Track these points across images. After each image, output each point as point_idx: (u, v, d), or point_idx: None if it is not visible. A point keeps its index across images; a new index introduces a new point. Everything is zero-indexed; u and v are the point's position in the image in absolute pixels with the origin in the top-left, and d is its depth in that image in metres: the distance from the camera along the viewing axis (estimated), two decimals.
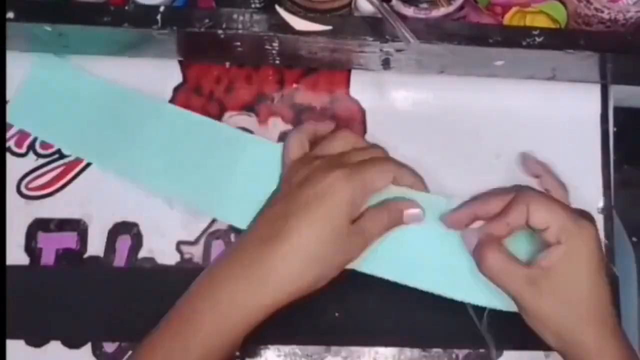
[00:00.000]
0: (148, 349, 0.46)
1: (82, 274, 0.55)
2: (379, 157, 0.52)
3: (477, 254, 0.49)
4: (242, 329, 0.46)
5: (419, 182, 0.52)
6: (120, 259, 0.55)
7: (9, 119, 0.57)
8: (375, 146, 0.54)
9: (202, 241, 0.56)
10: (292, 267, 0.46)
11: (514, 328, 0.50)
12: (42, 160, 0.57)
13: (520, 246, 0.50)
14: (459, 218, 0.51)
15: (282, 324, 0.52)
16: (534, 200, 0.47)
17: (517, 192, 0.49)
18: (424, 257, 0.51)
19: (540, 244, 0.48)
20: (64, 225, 0.56)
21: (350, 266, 0.50)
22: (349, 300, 0.54)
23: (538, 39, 0.50)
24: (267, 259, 0.46)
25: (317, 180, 0.47)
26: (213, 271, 0.48)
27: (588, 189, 0.57)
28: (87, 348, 0.54)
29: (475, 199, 0.51)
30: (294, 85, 0.59)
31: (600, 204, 0.57)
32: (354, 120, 0.58)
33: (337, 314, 0.54)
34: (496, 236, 0.48)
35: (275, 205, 0.49)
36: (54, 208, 0.56)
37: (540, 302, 0.46)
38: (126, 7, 0.51)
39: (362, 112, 0.59)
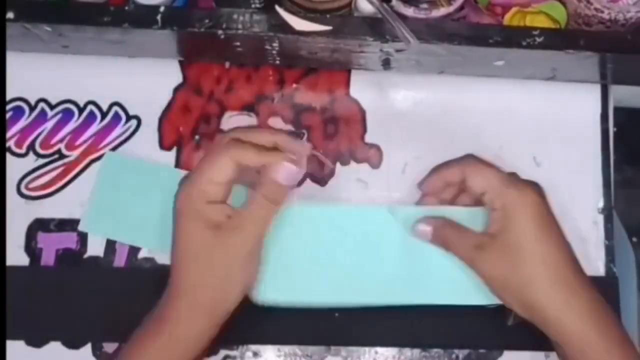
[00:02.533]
0: None
1: (82, 274, 0.55)
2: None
3: (424, 227, 0.51)
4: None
5: (287, 139, 0.49)
6: (120, 259, 0.55)
7: (85, 228, 0.56)
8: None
9: None
10: (179, 300, 0.47)
11: (513, 328, 0.50)
12: (42, 160, 0.57)
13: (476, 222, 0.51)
14: (433, 187, 0.53)
15: (282, 323, 0.52)
16: (470, 166, 0.50)
17: (460, 158, 0.52)
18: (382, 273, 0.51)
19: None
20: (64, 225, 0.56)
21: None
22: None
23: (538, 39, 0.50)
24: (160, 300, 0.48)
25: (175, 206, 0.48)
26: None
27: (588, 189, 0.57)
28: (87, 348, 0.54)
29: (437, 167, 0.53)
30: (294, 85, 0.59)
31: (600, 204, 0.57)
32: (354, 120, 0.58)
33: (336, 314, 0.54)
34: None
35: None
36: (54, 208, 0.56)
37: (490, 266, 0.48)
38: (126, 7, 0.51)
39: (362, 112, 0.59)
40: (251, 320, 0.52)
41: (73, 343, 0.54)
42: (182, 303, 0.46)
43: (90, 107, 0.59)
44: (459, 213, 0.51)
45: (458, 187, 0.52)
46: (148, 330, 0.47)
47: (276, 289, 0.50)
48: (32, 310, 0.54)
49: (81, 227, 0.56)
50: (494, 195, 0.48)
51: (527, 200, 0.48)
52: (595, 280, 0.48)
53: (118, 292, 0.55)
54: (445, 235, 0.50)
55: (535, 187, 0.49)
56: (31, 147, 0.58)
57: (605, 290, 0.48)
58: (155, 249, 0.55)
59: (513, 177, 0.50)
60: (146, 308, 0.48)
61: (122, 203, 0.56)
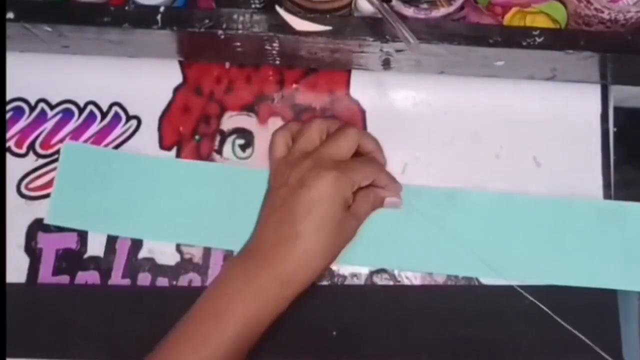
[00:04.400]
0: (181, 335, 0.48)
1: (81, 293, 0.55)
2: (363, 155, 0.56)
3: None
4: (270, 319, 0.49)
5: (378, 149, 0.56)
6: (120, 259, 0.55)
7: (51, 220, 0.56)
8: (348, 129, 0.55)
9: None
10: (306, 263, 0.50)
11: None
12: (42, 161, 0.57)
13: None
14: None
15: (281, 343, 0.52)
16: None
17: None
18: (404, 243, 0.55)
19: None
20: None
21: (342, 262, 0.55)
22: (346, 319, 0.54)
23: (538, 39, 0.50)
24: (283, 260, 0.50)
25: (312, 186, 0.51)
26: (230, 273, 0.50)
27: (588, 189, 0.57)
28: None
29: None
30: (294, 86, 0.59)
31: None
32: (354, 120, 0.58)
33: (334, 333, 0.54)
34: None
35: (275, 211, 0.52)
36: None
37: None
38: (126, 7, 0.51)
39: (362, 112, 0.59)
40: None
41: None
42: (304, 263, 0.50)
43: (90, 107, 0.59)
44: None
45: None
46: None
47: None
48: (31, 330, 0.54)
49: (47, 221, 0.56)
50: None
51: None
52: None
53: (118, 313, 0.54)
54: None
55: None
56: (31, 147, 0.58)
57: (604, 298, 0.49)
58: (127, 235, 0.56)
59: None
60: (145, 329, 0.47)
61: (86, 192, 0.56)
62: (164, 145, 0.58)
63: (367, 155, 0.56)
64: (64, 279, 0.55)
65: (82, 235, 0.56)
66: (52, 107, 0.58)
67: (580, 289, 0.53)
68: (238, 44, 0.53)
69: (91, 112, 0.59)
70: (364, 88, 0.59)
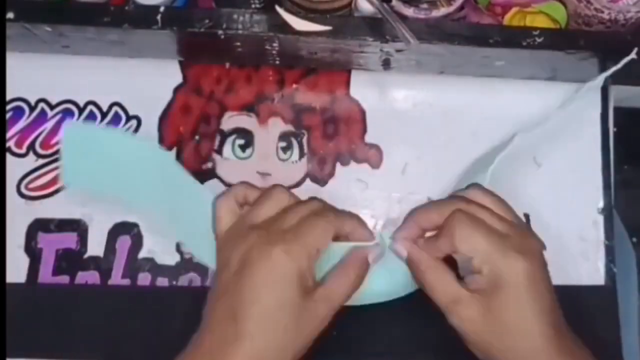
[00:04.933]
0: None
1: (81, 293, 0.55)
2: (315, 212, 0.47)
3: (413, 265, 0.47)
4: None
5: (359, 225, 0.49)
6: (120, 260, 0.55)
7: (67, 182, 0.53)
8: (312, 199, 0.49)
9: None
10: None
11: None
12: (42, 161, 0.57)
13: None
14: (409, 234, 0.47)
15: None
16: (459, 229, 0.44)
17: (448, 217, 0.45)
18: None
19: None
20: (64, 225, 0.56)
21: None
22: (346, 319, 0.51)
23: (538, 39, 0.50)
24: None
25: (258, 264, 0.43)
26: None
27: (588, 189, 0.57)
28: None
29: (414, 211, 0.49)
30: (294, 86, 0.59)
31: (600, 204, 0.57)
32: (354, 120, 0.58)
33: (334, 333, 0.51)
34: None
35: (219, 299, 0.44)
36: (54, 208, 0.56)
37: (469, 323, 0.44)
38: (126, 7, 0.51)
39: (362, 112, 0.59)
40: None
41: None
42: (240, 351, 0.42)
43: (90, 107, 0.59)
44: None
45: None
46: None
47: None
48: (31, 330, 0.54)
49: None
50: (481, 262, 0.44)
51: (515, 272, 0.43)
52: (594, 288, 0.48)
53: (117, 314, 0.54)
54: (425, 276, 0.46)
55: (527, 253, 0.44)
56: (31, 147, 0.58)
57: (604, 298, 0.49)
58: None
59: (507, 238, 0.44)
60: (146, 328, 0.46)
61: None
62: (164, 145, 0.58)
63: (317, 212, 0.47)
64: (64, 279, 0.55)
65: (82, 235, 0.56)
66: (52, 107, 0.58)
67: (579, 288, 0.53)
68: (238, 44, 0.53)
69: (91, 112, 0.58)
70: (364, 88, 0.59)
